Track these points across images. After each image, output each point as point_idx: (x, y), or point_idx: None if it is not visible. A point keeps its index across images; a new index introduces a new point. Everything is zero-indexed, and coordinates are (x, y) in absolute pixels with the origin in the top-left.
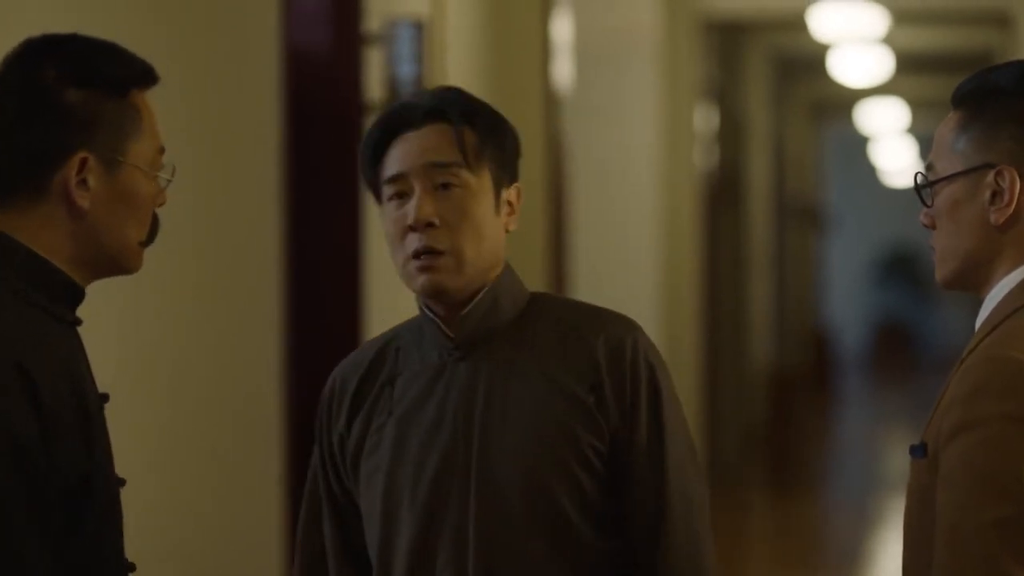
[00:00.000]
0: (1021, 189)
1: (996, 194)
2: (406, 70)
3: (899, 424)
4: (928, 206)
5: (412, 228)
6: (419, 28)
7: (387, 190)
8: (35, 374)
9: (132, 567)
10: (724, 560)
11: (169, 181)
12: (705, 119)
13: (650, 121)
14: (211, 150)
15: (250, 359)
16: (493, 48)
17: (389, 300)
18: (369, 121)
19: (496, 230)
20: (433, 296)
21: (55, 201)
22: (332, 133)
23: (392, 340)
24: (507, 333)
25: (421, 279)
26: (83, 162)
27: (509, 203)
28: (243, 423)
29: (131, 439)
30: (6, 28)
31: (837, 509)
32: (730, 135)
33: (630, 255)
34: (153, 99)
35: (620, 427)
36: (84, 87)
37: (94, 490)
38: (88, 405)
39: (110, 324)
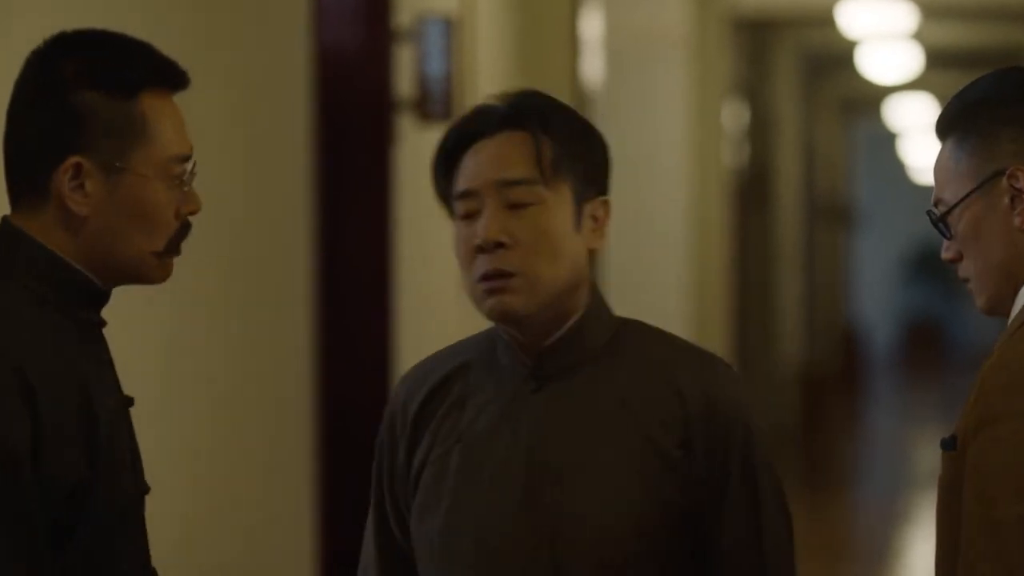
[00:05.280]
0: None
1: (1014, 197)
2: (436, 67)
3: (929, 421)
4: (950, 237)
5: (481, 249)
6: (449, 25)
7: (458, 207)
8: (34, 378)
9: None
10: None
11: (185, 189)
12: (734, 116)
13: (680, 119)
14: (241, 148)
15: (280, 362)
16: (522, 45)
17: (419, 300)
18: (398, 118)
19: (576, 248)
20: (502, 321)
21: (56, 204)
22: (362, 131)
23: (463, 357)
24: (593, 365)
25: (489, 302)
26: (77, 167)
27: (594, 218)
28: (274, 428)
29: (162, 445)
30: (41, 25)
31: (867, 506)
32: (759, 132)
33: (659, 253)
34: (186, 98)
35: (708, 490)
36: (87, 88)
37: (95, 499)
38: (95, 410)
39: (140, 326)
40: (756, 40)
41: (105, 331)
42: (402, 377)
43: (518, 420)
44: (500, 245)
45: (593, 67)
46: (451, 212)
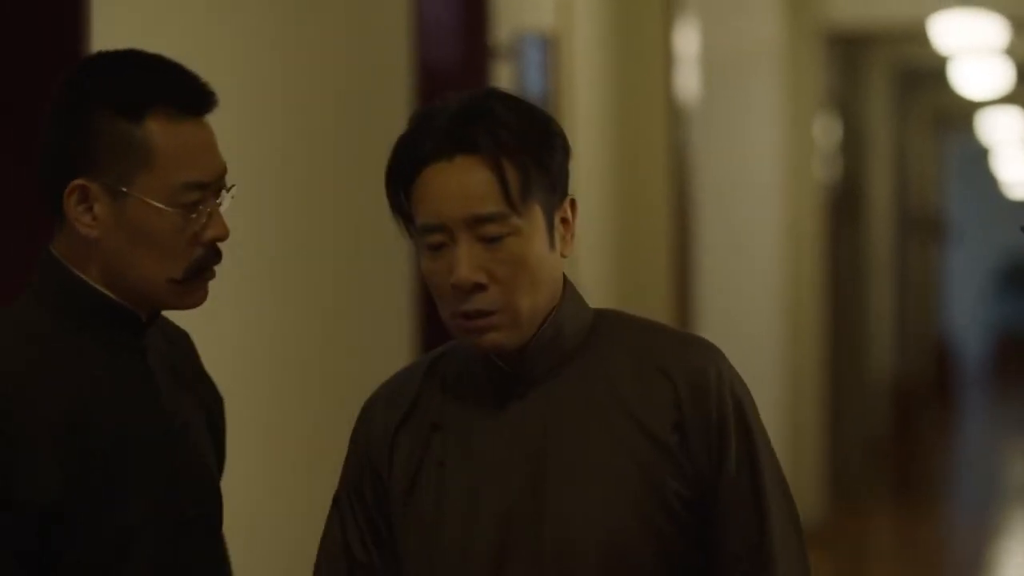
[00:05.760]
0: None
1: None
2: (535, 83)
3: (1021, 434)
4: None
5: (457, 287)
6: (547, 43)
7: (425, 238)
8: (14, 398)
9: None
10: (847, 571)
11: (207, 214)
12: (827, 131)
13: (773, 133)
14: (344, 162)
15: (382, 363)
16: (618, 61)
17: None
18: None
19: (553, 267)
20: (489, 354)
21: (70, 227)
22: None
23: (435, 370)
24: (574, 362)
25: (470, 339)
26: (82, 190)
27: (564, 222)
28: None
29: (265, 445)
30: (155, 41)
31: (960, 519)
32: (852, 146)
33: (754, 266)
34: (293, 112)
35: (707, 471)
36: (95, 109)
37: (78, 526)
38: (90, 436)
39: (242, 328)
40: (849, 55)
41: (220, 331)
42: (370, 400)
43: (508, 431)
44: (478, 285)
45: (688, 82)
46: (407, 230)
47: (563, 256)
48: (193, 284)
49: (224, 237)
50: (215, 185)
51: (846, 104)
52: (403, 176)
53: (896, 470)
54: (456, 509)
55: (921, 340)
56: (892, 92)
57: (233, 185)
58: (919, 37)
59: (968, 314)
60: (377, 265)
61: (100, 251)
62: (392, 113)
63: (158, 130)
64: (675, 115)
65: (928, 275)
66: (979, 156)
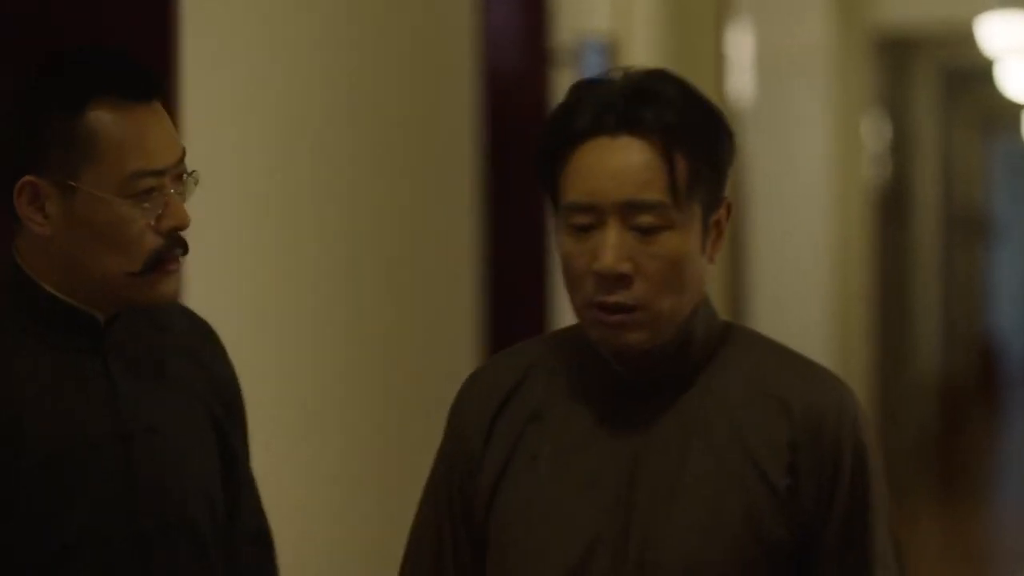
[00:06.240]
0: None
1: None
2: None
3: None
4: None
5: (599, 275)
6: (607, 47)
7: (570, 217)
8: None
9: None
10: None
11: (164, 201)
12: (875, 133)
13: (822, 135)
14: (412, 164)
15: (448, 365)
16: (672, 63)
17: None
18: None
19: (701, 270)
20: (614, 354)
21: (26, 226)
22: (524, 149)
23: (535, 362)
24: (696, 377)
25: (603, 334)
26: (32, 187)
27: (717, 226)
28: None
29: (334, 446)
30: (230, 52)
31: (1007, 515)
32: (899, 148)
33: (802, 267)
34: (360, 114)
35: (814, 519)
36: (38, 104)
37: (12, 540)
38: (15, 445)
39: (313, 331)
40: (896, 57)
41: (275, 329)
42: (465, 386)
43: (610, 437)
44: (622, 276)
45: (741, 85)
46: (555, 208)
47: (710, 262)
48: (153, 276)
49: (183, 225)
50: (172, 172)
51: (893, 106)
52: (556, 149)
53: (944, 467)
54: (542, 512)
55: (966, 339)
56: (939, 93)
57: (193, 171)
58: (966, 39)
59: (1013, 313)
60: (443, 266)
61: (56, 249)
62: (457, 117)
63: (100, 120)
64: (730, 117)
65: (973, 274)
66: None
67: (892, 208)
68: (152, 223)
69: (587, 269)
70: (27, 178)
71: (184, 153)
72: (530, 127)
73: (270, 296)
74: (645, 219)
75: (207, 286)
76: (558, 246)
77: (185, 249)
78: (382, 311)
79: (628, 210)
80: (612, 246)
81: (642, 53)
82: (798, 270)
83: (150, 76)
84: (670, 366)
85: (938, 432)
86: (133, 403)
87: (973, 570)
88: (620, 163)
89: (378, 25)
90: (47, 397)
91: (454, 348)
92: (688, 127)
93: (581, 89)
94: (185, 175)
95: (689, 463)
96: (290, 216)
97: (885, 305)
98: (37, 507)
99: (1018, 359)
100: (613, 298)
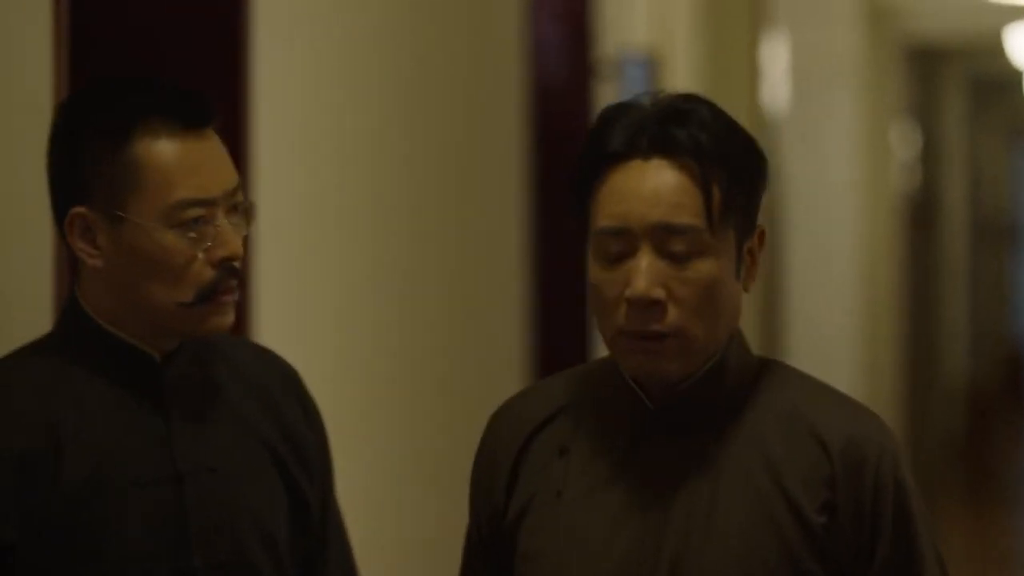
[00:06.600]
0: None
1: None
2: None
3: None
4: None
5: (631, 302)
6: (648, 62)
7: (601, 243)
8: None
9: None
10: None
11: (214, 232)
12: (905, 141)
13: (854, 143)
14: (460, 177)
15: (497, 371)
16: (709, 73)
17: None
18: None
19: (736, 297)
20: (646, 383)
21: (80, 259)
22: (568, 162)
23: (562, 396)
24: (729, 414)
25: (634, 361)
26: (82, 219)
27: (751, 254)
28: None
29: (397, 447)
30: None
31: None
32: (927, 156)
33: (833, 273)
34: (411, 129)
35: (854, 560)
36: (84, 134)
37: (45, 569)
38: (53, 476)
39: (371, 345)
40: (925, 66)
41: (336, 335)
42: (495, 416)
43: (638, 475)
44: (656, 302)
45: (776, 94)
46: (586, 235)
47: (745, 291)
48: (207, 307)
49: (235, 256)
50: (222, 202)
51: (922, 115)
52: (588, 173)
53: (971, 472)
54: (566, 551)
55: (994, 344)
56: (967, 102)
57: (249, 200)
58: (994, 49)
59: None
60: (491, 277)
61: (111, 282)
62: (504, 129)
63: (144, 148)
64: (764, 126)
65: (1000, 281)
66: None
67: (920, 215)
68: (203, 254)
69: (618, 297)
70: (76, 209)
71: (238, 183)
72: (574, 140)
73: (328, 304)
74: (678, 244)
75: (271, 292)
76: (590, 275)
77: (236, 278)
78: (434, 324)
79: (661, 234)
80: (645, 271)
81: (681, 65)
82: (830, 276)
83: (201, 103)
84: (702, 397)
85: (965, 437)
86: (187, 442)
87: (1000, 573)
88: (653, 186)
89: (431, 39)
90: (89, 432)
91: (503, 358)
92: (722, 150)
93: (612, 112)
94: (240, 204)
95: (721, 500)
96: (347, 231)
97: (913, 311)
98: (69, 537)
99: None
100: (647, 327)
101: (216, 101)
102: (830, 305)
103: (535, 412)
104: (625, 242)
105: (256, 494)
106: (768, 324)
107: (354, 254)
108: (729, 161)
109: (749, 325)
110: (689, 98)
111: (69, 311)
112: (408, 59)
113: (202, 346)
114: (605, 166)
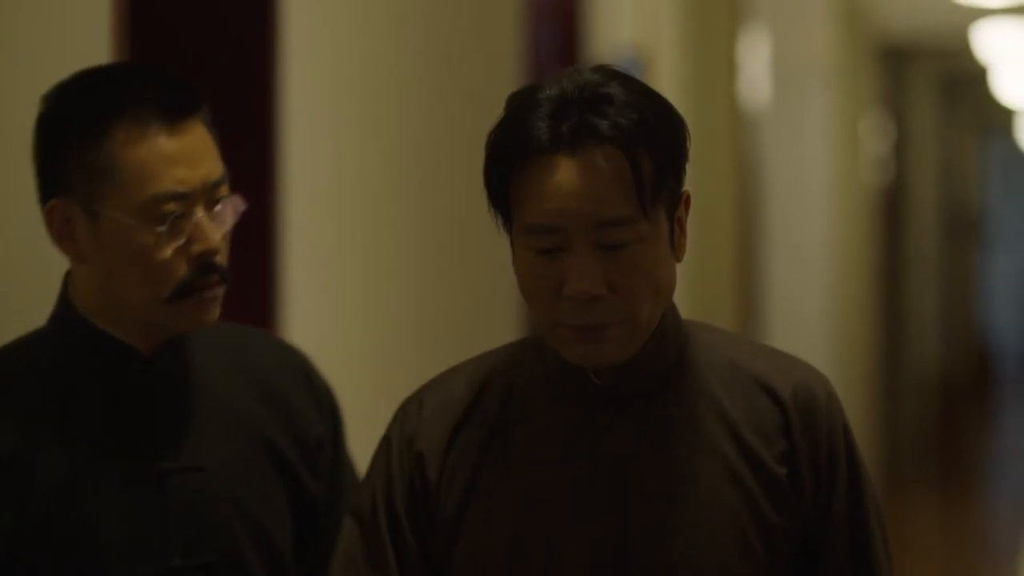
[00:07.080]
0: None
1: None
2: None
3: None
4: None
5: (572, 298)
6: (638, 62)
7: (530, 240)
8: None
9: None
10: (895, 557)
11: (162, 230)
12: (877, 138)
13: (827, 140)
14: (457, 177)
15: None
16: (690, 71)
17: None
18: None
19: (672, 271)
20: (591, 368)
21: (61, 250)
22: None
23: (494, 374)
24: (671, 376)
25: (577, 350)
26: (60, 211)
27: (679, 222)
28: None
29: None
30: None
31: (1001, 508)
32: (898, 153)
33: (807, 267)
34: (410, 130)
35: (814, 505)
36: (61, 131)
37: (32, 571)
38: (33, 476)
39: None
40: (896, 64)
41: (343, 329)
42: (415, 399)
43: (593, 449)
44: (597, 298)
45: (756, 91)
46: (505, 226)
47: (677, 261)
48: (187, 303)
49: (212, 250)
50: (200, 196)
51: (894, 111)
52: (506, 166)
53: (941, 462)
54: (528, 533)
55: (963, 338)
56: (937, 98)
57: (230, 194)
58: (962, 47)
59: (1008, 314)
60: (488, 280)
61: (94, 276)
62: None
63: (121, 143)
64: (743, 123)
65: (970, 274)
66: (1020, 160)
67: (891, 209)
68: (179, 249)
69: (554, 290)
70: (53, 201)
71: (223, 175)
72: None
73: (353, 292)
74: (613, 235)
75: (299, 281)
76: (518, 266)
77: (223, 275)
78: (454, 313)
79: (595, 229)
80: (583, 269)
81: (666, 63)
82: (805, 267)
83: (184, 93)
84: (649, 371)
85: (936, 426)
86: (173, 440)
87: (970, 561)
88: (582, 180)
89: (430, 39)
90: (70, 430)
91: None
92: (647, 130)
93: (524, 98)
94: (221, 198)
95: (682, 462)
96: (369, 222)
97: (884, 303)
98: (55, 538)
99: (1014, 357)
100: (591, 319)
101: (247, 93)
102: (805, 296)
103: (461, 391)
104: (558, 238)
105: (249, 493)
106: (744, 315)
107: (377, 244)
108: (655, 140)
109: (725, 317)
110: (604, 74)
111: (59, 306)
112: (414, 56)
113: (198, 341)
114: (526, 158)
